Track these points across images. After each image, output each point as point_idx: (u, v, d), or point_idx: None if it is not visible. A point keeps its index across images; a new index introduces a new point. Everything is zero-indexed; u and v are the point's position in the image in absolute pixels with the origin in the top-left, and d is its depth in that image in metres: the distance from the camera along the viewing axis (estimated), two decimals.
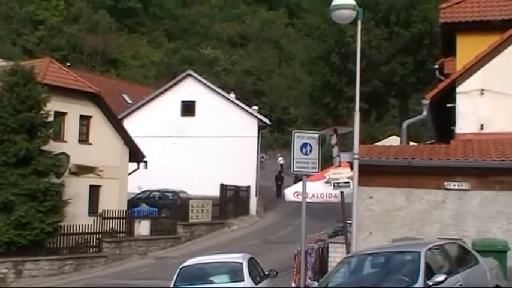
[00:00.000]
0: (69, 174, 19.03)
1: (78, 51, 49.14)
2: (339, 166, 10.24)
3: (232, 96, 30.41)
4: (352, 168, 10.09)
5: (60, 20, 50.49)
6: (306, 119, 35.90)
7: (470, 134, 11.46)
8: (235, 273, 9.18)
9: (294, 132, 10.36)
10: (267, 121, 28.98)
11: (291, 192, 13.21)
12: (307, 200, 11.17)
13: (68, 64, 30.02)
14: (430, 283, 6.20)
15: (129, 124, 26.40)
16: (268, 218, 27.27)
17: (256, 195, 28.19)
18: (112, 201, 20.56)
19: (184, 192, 25.17)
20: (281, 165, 40.35)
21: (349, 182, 9.96)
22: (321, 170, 10.76)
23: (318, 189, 12.42)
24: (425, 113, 12.38)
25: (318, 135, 10.44)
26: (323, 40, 26.53)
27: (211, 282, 9.20)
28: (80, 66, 40.38)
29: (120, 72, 50.77)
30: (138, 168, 22.57)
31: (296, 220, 20.51)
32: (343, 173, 10.11)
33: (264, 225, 25.43)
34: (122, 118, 27.95)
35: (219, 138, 27.71)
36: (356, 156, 9.96)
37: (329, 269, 10.06)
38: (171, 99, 28.93)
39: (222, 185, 25.69)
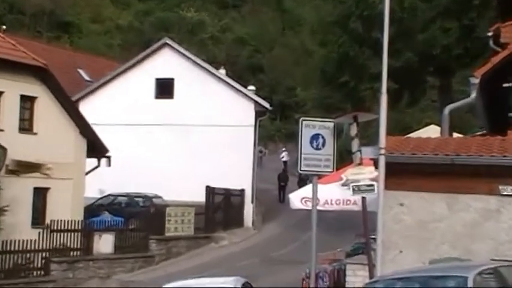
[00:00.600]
0: (6, 173, 18.82)
1: (17, 11, 48.16)
2: (360, 164, 10.40)
3: (222, 72, 30.55)
4: (377, 167, 10.30)
5: None
6: (317, 103, 36.62)
7: None
8: None
9: (302, 120, 10.64)
10: (266, 105, 28.95)
11: (298, 198, 13.45)
12: (319, 207, 11.43)
13: (4, 28, 29.46)
14: None
15: (87, 108, 26.54)
16: (268, 230, 27.52)
17: (252, 201, 28.33)
18: (64, 209, 20.48)
19: (159, 197, 25.50)
20: (285, 162, 40.73)
21: (373, 185, 10.20)
22: (337, 169, 11.14)
23: (332, 194, 12.73)
24: (473, 95, 12.63)
25: (332, 123, 10.68)
26: (340, 1, 26.54)
27: None
28: (20, 31, 39.53)
29: (75, 40, 50.33)
30: (98, 165, 22.65)
31: (304, 234, 20.32)
32: (365, 173, 10.29)
33: (262, 240, 25.67)
34: (78, 100, 28.02)
35: (205, 128, 27.90)
36: (382, 151, 10.16)
37: None
38: (142, 77, 29.05)
39: (208, 187, 25.74)
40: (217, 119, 27.96)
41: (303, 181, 31.89)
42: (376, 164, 10.36)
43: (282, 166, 38.36)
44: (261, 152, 40.64)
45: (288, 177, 33.77)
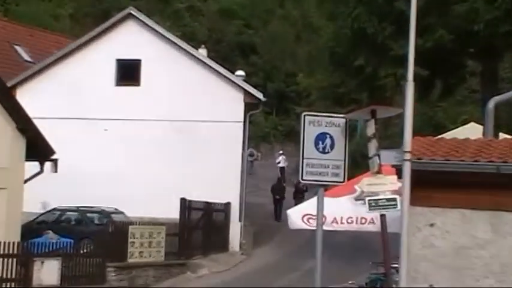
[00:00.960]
0: None
1: None
2: (379, 172, 10.40)
3: (202, 53, 30.69)
4: (400, 177, 10.30)
5: None
6: (324, 93, 37.36)
7: None
8: None
9: (305, 115, 10.61)
10: (259, 96, 29.02)
11: (299, 215, 13.57)
12: (326, 227, 11.56)
13: None
14: None
15: (26, 97, 26.35)
16: (260, 256, 27.52)
17: (240, 219, 28.47)
18: None
19: (121, 213, 25.57)
20: (282, 168, 40.99)
21: (395, 200, 10.19)
22: (349, 178, 11.03)
23: (343, 211, 12.92)
24: None
25: (344, 120, 10.68)
26: None
27: None
28: None
29: (11, 8, 49.87)
30: (41, 171, 22.47)
31: (306, 262, 20.45)
32: (385, 184, 10.30)
33: (252, 270, 25.55)
34: (15, 86, 28.03)
35: (180, 124, 28.02)
36: (408, 156, 10.15)
37: None
38: (99, 57, 29.01)
39: (183, 201, 25.68)
40: (195, 113, 28.05)
41: (299, 193, 32.81)
42: (399, 173, 10.40)
43: (278, 174, 38.73)
44: (252, 155, 40.92)
45: (285, 188, 34.08)
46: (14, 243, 20.32)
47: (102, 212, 25.47)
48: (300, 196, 32.26)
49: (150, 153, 27.97)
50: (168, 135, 27.97)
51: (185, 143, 27.81)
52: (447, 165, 10.81)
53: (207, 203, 26.89)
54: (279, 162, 41.95)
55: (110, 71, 29.00)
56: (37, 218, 24.97)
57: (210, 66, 28.93)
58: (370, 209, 10.44)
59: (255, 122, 47.69)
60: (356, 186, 11.92)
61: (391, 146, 13.25)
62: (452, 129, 26.08)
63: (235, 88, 28.71)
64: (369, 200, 10.34)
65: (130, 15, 29.24)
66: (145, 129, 28.09)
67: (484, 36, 25.26)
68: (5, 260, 19.97)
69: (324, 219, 11.07)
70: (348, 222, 13.11)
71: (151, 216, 25.27)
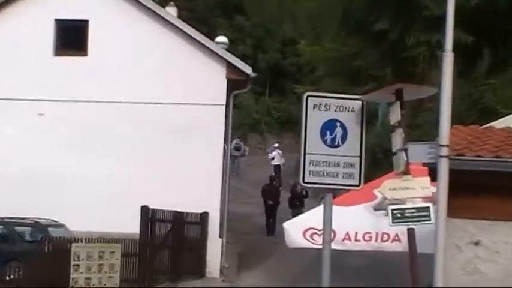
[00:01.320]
0: None
1: None
2: (406, 173, 10.47)
3: (171, 12, 30.72)
4: (434, 179, 10.51)
5: None
6: (333, 67, 36.13)
7: None
8: None
9: (308, 97, 10.73)
10: (247, 70, 28.81)
11: (299, 229, 13.91)
12: (336, 246, 11.97)
13: None
14: None
15: None
16: (248, 285, 27.10)
17: (221, 235, 28.43)
18: None
19: (61, 226, 25.56)
20: (277, 166, 41.24)
21: (427, 209, 10.28)
22: (366, 180, 11.14)
23: (358, 224, 13.28)
24: None
25: (360, 103, 10.76)
26: None
27: None
28: None
29: None
30: None
31: None
32: (414, 189, 10.37)
33: None
34: None
35: (141, 108, 28.04)
36: (445, 151, 10.38)
37: None
38: (31, 16, 28.77)
39: (145, 210, 25.47)
40: (161, 93, 28.06)
41: (297, 199, 32.77)
42: (433, 174, 10.53)
43: (271, 173, 38.71)
44: (237, 150, 41.16)
45: (280, 192, 34.15)
46: None
47: (35, 225, 25.39)
48: (297, 204, 32.47)
49: (101, 146, 27.83)
50: (125, 122, 27.89)
51: (148, 133, 27.78)
52: (497, 164, 10.83)
53: (177, 212, 26.70)
54: (273, 159, 42.03)
55: (47, 36, 28.84)
56: None
57: (182, 30, 28.74)
58: (394, 222, 10.41)
59: (242, 105, 47.49)
60: (376, 192, 12.16)
61: (422, 138, 13.49)
62: (505, 115, 26.00)
63: (214, 60, 28.53)
64: (393, 209, 10.35)
65: None
66: (93, 115, 27.93)
67: None
68: None
69: (332, 235, 11.26)
70: (364, 240, 13.38)
71: (102, 230, 25.02)
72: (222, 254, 28.33)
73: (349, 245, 13.38)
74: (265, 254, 29.45)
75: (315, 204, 20.48)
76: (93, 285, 23.00)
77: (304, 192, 32.36)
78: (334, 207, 10.88)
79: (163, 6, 30.88)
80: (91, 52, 28.80)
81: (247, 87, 30.17)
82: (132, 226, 25.11)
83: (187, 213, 27.24)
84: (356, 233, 13.40)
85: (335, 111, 10.65)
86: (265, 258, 29.14)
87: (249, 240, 31.23)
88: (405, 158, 10.37)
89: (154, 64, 28.39)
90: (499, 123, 16.50)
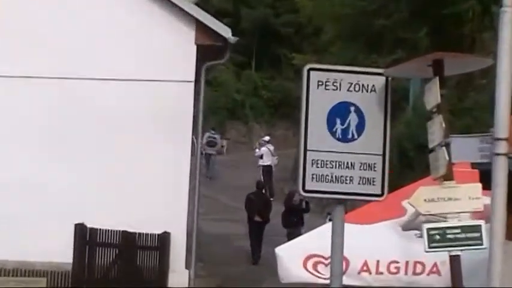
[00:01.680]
0: None
1: None
2: (448, 177, 10.01)
3: None
4: (489, 186, 10.01)
5: None
6: (345, 29, 34.18)
7: None
8: None
9: (310, 70, 10.10)
10: (225, 33, 26.40)
11: (298, 257, 13.55)
12: (349, 280, 12.05)
13: None
14: None
15: None
16: None
17: (188, 265, 25.87)
18: None
19: None
20: (267, 168, 40.86)
21: (478, 229, 10.02)
22: (392, 189, 11.20)
23: (381, 249, 13.04)
24: None
25: (384, 79, 10.20)
26: None
27: None
28: None
29: None
30: None
31: None
32: (459, 200, 10.05)
33: None
34: None
35: (79, 87, 25.43)
36: (503, 147, 9.85)
37: None
38: None
39: (81, 229, 24.16)
40: (106, 67, 25.38)
41: (294, 214, 30.53)
42: (486, 178, 9.95)
43: (259, 177, 37.82)
44: (212, 145, 41.03)
45: (271, 204, 31.65)
46: None
47: None
48: (295, 220, 29.51)
49: (24, 140, 25.17)
50: (56, 106, 25.09)
51: (88, 122, 24.96)
52: None
53: (127, 233, 24.61)
54: (261, 157, 40.86)
55: None
56: None
57: None
58: (431, 247, 10.12)
59: (218, 82, 46.65)
60: (405, 204, 11.75)
61: (471, 128, 13.04)
62: None
63: (180, 18, 25.77)
64: (430, 229, 10.01)
65: None
66: (15, 98, 25.35)
67: None
68: None
69: (345, 265, 10.89)
70: (390, 272, 12.69)
71: (21, 259, 23.46)
72: None
73: (369, 279, 12.69)
74: None
75: (320, 221, 21.21)
76: None
77: (304, 205, 29.67)
78: (347, 226, 10.36)
79: None
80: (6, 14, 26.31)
81: (225, 57, 27.67)
82: (63, 253, 23.78)
83: (140, 234, 24.97)
84: (378, 262, 12.64)
85: (348, 90, 9.98)
86: None
87: (227, 272, 28.86)
88: (447, 157, 10.02)
89: (95, 26, 25.21)
90: None
